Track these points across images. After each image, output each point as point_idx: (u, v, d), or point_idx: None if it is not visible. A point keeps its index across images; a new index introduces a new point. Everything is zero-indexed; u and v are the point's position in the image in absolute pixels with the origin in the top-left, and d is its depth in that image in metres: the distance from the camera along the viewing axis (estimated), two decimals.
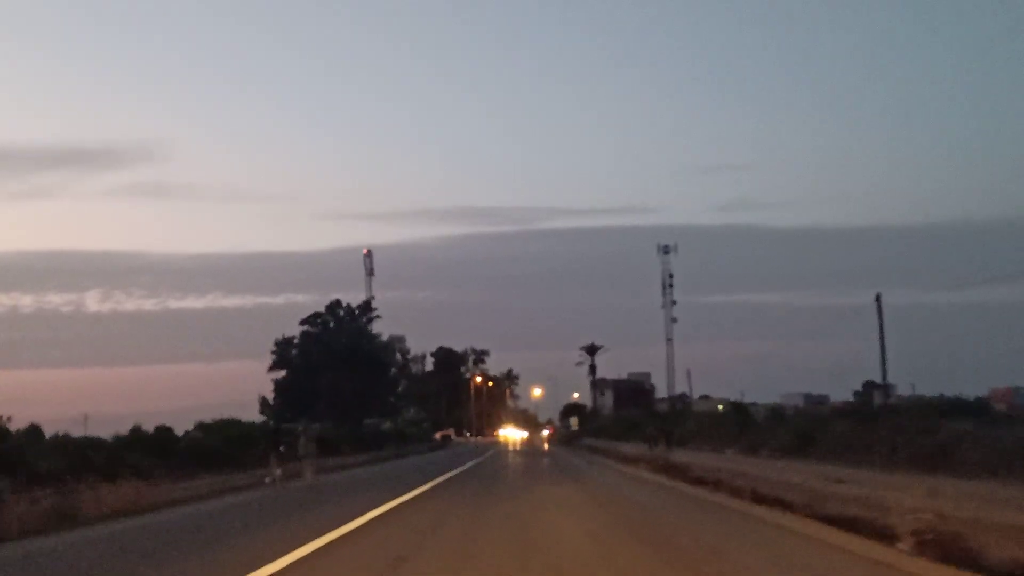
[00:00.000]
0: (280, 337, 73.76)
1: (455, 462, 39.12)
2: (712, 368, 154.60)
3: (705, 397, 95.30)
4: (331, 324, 74.90)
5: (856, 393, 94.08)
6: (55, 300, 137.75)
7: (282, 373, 73.13)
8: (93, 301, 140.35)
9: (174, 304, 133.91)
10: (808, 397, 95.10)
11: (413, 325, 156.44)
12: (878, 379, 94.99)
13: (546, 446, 73.24)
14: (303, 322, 74.22)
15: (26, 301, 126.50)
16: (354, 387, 66.57)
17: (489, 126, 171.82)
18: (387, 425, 73.96)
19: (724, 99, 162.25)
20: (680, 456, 30.35)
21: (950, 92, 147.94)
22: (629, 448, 42.47)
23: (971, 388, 57.66)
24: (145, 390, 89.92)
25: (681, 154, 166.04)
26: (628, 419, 73.58)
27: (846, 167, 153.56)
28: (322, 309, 75.76)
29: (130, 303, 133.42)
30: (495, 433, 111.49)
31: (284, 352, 73.25)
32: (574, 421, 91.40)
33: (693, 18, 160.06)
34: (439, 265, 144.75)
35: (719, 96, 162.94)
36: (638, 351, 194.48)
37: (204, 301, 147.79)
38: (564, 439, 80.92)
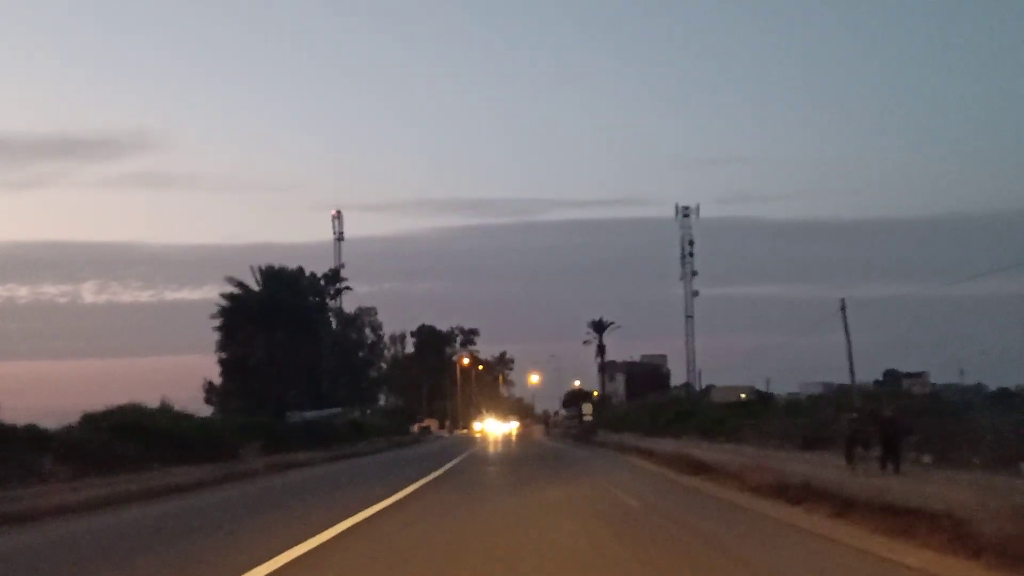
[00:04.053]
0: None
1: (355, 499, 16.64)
2: (713, 359, 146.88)
3: (711, 386, 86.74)
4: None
5: (877, 382, 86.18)
6: (51, 291, 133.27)
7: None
8: (89, 292, 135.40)
9: (170, 295, 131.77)
10: (828, 386, 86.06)
11: (409, 317, 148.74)
12: (898, 368, 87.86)
13: (513, 442, 60.80)
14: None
15: (22, 292, 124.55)
16: (273, 361, 51.94)
17: (488, 117, 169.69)
18: (355, 414, 64.22)
19: (724, 92, 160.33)
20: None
21: (954, 86, 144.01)
22: (802, 467, 19.13)
23: (1010, 379, 50.72)
24: (140, 381, 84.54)
25: (681, 146, 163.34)
26: (669, 406, 55.55)
27: (847, 160, 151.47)
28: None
29: (126, 294, 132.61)
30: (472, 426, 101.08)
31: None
32: (587, 408, 72.59)
33: (693, 9, 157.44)
34: (437, 257, 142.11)
35: (719, 88, 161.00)
36: (642, 342, 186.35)
37: (200, 292, 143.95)
38: (576, 433, 65.29)
